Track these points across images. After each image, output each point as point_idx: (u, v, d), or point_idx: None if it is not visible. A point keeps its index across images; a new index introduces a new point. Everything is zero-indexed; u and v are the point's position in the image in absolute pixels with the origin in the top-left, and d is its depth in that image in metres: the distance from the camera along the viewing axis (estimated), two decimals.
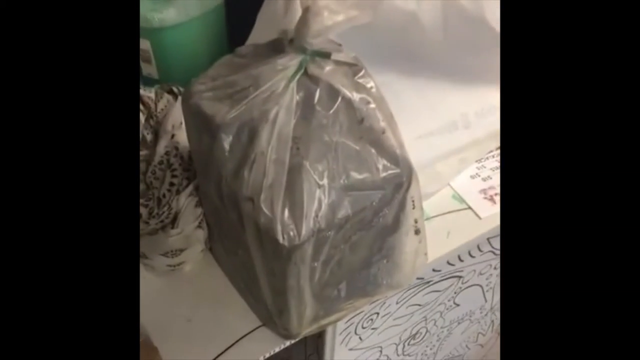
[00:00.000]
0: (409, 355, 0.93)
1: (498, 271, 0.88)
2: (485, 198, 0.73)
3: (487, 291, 0.91)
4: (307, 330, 0.57)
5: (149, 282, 0.63)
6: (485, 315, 1.00)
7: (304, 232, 0.46)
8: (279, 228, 0.45)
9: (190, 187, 0.60)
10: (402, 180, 0.50)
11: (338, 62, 0.49)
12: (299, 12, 0.48)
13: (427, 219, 0.70)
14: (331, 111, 0.48)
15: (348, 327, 0.71)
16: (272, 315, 0.56)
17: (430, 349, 0.97)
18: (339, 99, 0.48)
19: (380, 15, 0.61)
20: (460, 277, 0.80)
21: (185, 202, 0.59)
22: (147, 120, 0.64)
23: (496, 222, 0.71)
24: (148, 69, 0.76)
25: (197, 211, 0.61)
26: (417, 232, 0.57)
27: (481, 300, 0.93)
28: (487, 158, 0.79)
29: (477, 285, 0.87)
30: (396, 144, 0.50)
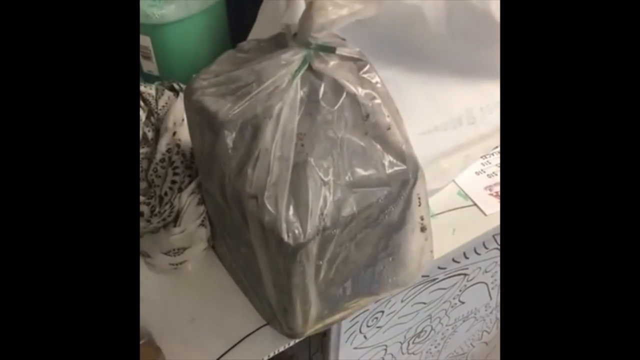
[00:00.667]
0: (413, 353, 0.92)
1: None
2: (491, 194, 0.72)
3: (493, 289, 0.91)
4: (312, 329, 0.57)
5: (151, 281, 0.62)
6: (490, 313, 0.99)
7: (309, 230, 0.45)
8: (283, 226, 0.45)
9: (193, 185, 0.59)
10: (408, 177, 0.50)
11: (343, 57, 0.49)
12: (302, 6, 0.47)
13: (432, 216, 0.69)
14: (336, 107, 0.47)
15: (353, 325, 0.71)
16: (277, 314, 0.55)
17: (435, 347, 0.97)
18: (344, 94, 0.47)
19: (384, 8, 0.60)
20: (465, 274, 0.80)
21: (188, 200, 0.59)
22: (148, 117, 0.63)
23: None
24: (148, 66, 0.75)
25: (200, 209, 0.60)
26: (423, 229, 0.57)
27: (486, 297, 0.93)
28: (492, 154, 0.78)
29: (483, 282, 0.86)
30: (402, 140, 0.50)
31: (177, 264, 0.62)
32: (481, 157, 0.77)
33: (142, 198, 0.58)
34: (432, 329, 0.89)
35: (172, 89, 0.65)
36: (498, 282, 0.90)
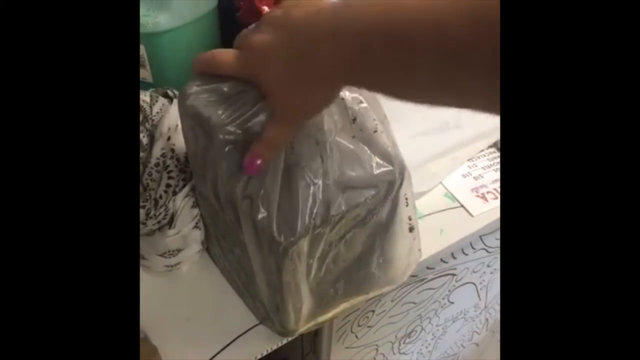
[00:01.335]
0: (404, 354, 0.94)
1: (491, 269, 0.89)
2: (477, 196, 0.74)
3: (481, 289, 0.92)
4: (304, 327, 0.58)
5: (147, 283, 0.63)
6: (480, 313, 1.01)
7: (299, 228, 0.46)
8: (275, 225, 0.46)
9: (187, 188, 0.60)
10: (394, 178, 0.51)
11: None
12: None
13: (420, 217, 0.71)
14: (325, 111, 0.49)
15: (344, 325, 0.72)
16: (269, 313, 0.57)
17: (426, 347, 0.98)
18: None
19: None
20: (453, 274, 0.81)
21: (182, 203, 0.60)
22: (142, 123, 0.65)
23: (488, 219, 0.72)
24: (143, 74, 0.77)
25: (194, 212, 0.61)
26: (411, 229, 0.58)
27: (475, 298, 0.94)
28: (479, 157, 0.80)
29: (471, 283, 0.88)
30: (389, 142, 0.51)
31: (172, 266, 0.64)
32: (468, 160, 0.79)
33: None
34: (422, 329, 0.90)
35: (166, 95, 0.67)
36: (486, 283, 0.92)
